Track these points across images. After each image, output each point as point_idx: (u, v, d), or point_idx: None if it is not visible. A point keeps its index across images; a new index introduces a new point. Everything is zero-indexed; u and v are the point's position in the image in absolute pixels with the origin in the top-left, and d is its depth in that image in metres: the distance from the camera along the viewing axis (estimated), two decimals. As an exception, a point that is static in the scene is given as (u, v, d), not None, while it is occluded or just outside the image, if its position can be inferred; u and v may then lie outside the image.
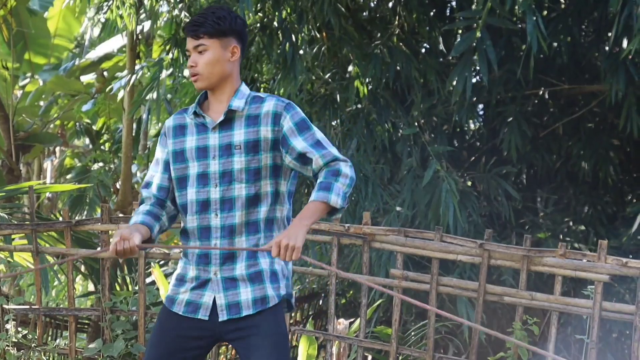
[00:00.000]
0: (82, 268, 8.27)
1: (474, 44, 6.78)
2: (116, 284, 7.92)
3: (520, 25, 7.63)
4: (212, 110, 4.03)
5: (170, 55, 7.93)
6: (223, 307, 3.94)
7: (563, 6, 7.95)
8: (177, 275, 4.08)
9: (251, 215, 3.95)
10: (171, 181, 4.07)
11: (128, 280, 7.84)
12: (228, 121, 3.97)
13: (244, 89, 4.03)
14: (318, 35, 8.06)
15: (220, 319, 3.94)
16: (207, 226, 3.96)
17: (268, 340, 3.89)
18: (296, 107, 4.01)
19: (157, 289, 6.94)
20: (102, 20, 9.23)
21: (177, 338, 3.98)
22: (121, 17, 7.95)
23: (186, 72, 9.96)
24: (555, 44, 7.71)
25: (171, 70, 8.07)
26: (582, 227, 8.27)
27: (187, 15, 7.70)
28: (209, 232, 3.96)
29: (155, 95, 8.03)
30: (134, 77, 9.03)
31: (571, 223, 8.34)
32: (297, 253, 3.71)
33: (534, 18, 6.45)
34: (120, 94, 9.64)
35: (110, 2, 8.03)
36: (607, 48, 7.64)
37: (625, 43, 7.11)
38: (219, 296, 3.95)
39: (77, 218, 11.09)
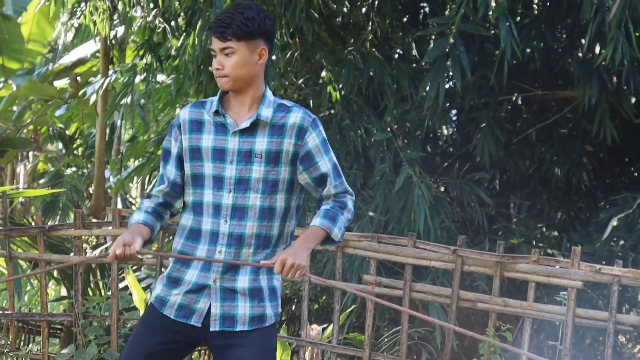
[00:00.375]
0: (55, 273, 8.21)
1: (447, 50, 6.79)
2: (89, 289, 7.88)
3: (493, 32, 7.65)
4: (233, 111, 3.89)
5: (144, 60, 7.90)
6: (217, 317, 3.84)
7: (536, 12, 7.99)
8: (170, 277, 3.94)
9: (262, 228, 3.85)
10: (183, 178, 3.95)
11: (101, 285, 7.79)
12: (251, 126, 3.84)
13: (270, 95, 3.90)
14: (291, 41, 8.05)
15: (211, 329, 3.85)
16: (215, 231, 3.83)
17: (256, 356, 3.84)
18: (320, 125, 3.92)
19: (130, 294, 6.91)
20: (76, 25, 9.17)
21: (164, 340, 3.87)
22: (94, 23, 7.91)
23: (160, 78, 9.95)
24: (528, 50, 7.73)
25: (144, 75, 8.03)
26: (556, 233, 8.30)
27: (162, 20, 7.66)
28: (216, 237, 3.83)
29: (129, 100, 7.98)
30: (106, 81, 8.99)
31: (544, 229, 8.36)
32: (302, 272, 3.66)
33: (507, 24, 6.46)
34: (93, 98, 9.59)
35: (84, 7, 7.99)
36: (580, 54, 7.69)
37: (598, 49, 7.14)
38: (215, 305, 3.84)
39: (50, 223, 11.02)
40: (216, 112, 3.87)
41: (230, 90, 3.85)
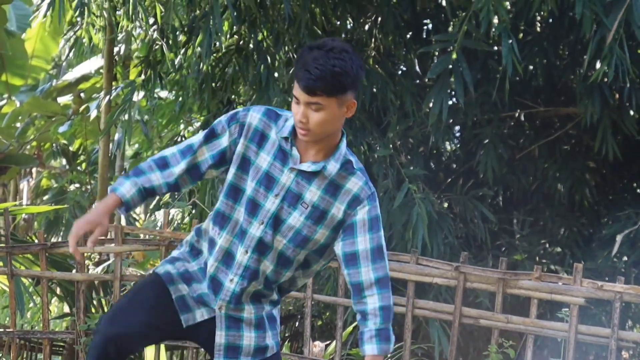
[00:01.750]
0: (58, 290, 8.21)
1: (450, 67, 6.81)
2: (91, 307, 7.87)
3: (496, 48, 7.67)
4: (301, 145, 3.54)
5: (143, 76, 7.90)
6: (221, 347, 3.70)
7: (539, 29, 8.01)
8: (183, 269, 3.74)
9: (275, 274, 3.64)
10: (205, 173, 3.67)
11: (103, 302, 7.78)
12: (309, 172, 3.53)
13: (343, 147, 3.56)
14: (295, 57, 8.07)
15: (215, 359, 3.71)
16: (233, 254, 3.61)
17: None
18: (377, 200, 3.63)
19: (132, 311, 6.89)
20: (73, 39, 9.21)
21: (165, 311, 3.70)
22: (90, 40, 7.94)
23: (162, 94, 9.97)
24: (531, 67, 7.76)
25: (144, 91, 8.03)
26: (559, 249, 8.30)
27: (160, 38, 7.67)
28: (231, 261, 3.63)
29: (126, 116, 7.98)
30: (107, 98, 9.01)
31: (547, 245, 8.37)
32: None
33: (509, 41, 6.49)
34: (94, 115, 9.60)
35: (81, 24, 8.02)
36: (582, 71, 7.70)
37: (598, 66, 7.16)
38: (220, 334, 3.69)
39: (53, 239, 11.03)
40: (285, 138, 3.54)
41: (310, 142, 3.51)
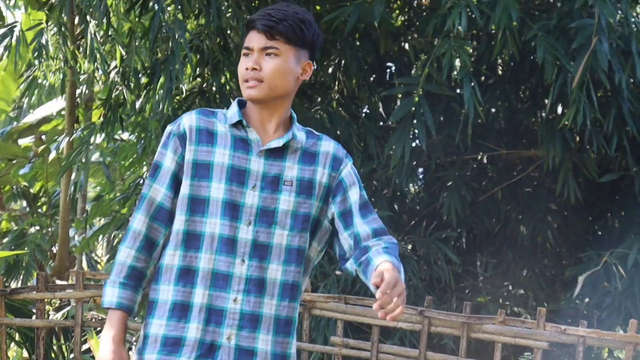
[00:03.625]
0: (16, 336, 8.09)
1: (413, 110, 6.85)
2: (52, 353, 7.76)
3: (459, 91, 7.72)
4: (255, 127, 3.15)
5: (101, 118, 7.88)
6: None
7: (500, 73, 8.08)
8: (166, 338, 3.06)
9: (289, 274, 3.12)
10: (175, 202, 3.13)
11: (64, 348, 7.69)
12: (278, 149, 3.14)
13: (296, 120, 3.24)
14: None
15: None
16: (227, 273, 3.05)
17: None
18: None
19: (93, 357, 6.81)
20: (30, 81, 9.18)
21: None
22: (47, 82, 7.91)
23: (124, 135, 9.92)
24: (493, 110, 7.81)
25: (103, 133, 7.99)
26: (522, 291, 8.31)
27: (121, 81, 7.64)
28: (228, 281, 3.05)
29: (84, 159, 7.94)
30: (67, 140, 8.95)
31: (510, 287, 8.38)
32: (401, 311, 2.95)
33: (471, 85, 6.54)
34: (52, 155, 9.54)
35: (39, 65, 8.00)
36: (543, 114, 7.76)
37: (560, 110, 7.24)
38: None
39: (13, 284, 10.89)
40: (236, 124, 3.14)
41: (260, 100, 3.12)
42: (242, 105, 3.21)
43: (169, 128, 3.19)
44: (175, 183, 3.13)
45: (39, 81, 8.66)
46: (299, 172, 3.14)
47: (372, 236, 3.17)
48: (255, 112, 3.16)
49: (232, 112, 3.15)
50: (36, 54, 7.69)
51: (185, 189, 3.10)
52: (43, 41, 7.75)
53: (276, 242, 3.09)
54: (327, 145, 3.22)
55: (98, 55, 7.24)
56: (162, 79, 7.20)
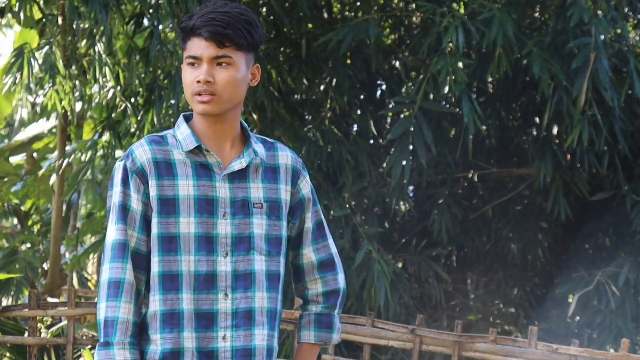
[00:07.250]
0: (7, 354, 8.07)
1: (412, 128, 6.87)
2: (43, 370, 7.74)
3: (457, 110, 7.76)
4: (210, 147, 2.93)
5: (103, 137, 7.89)
6: None
7: (491, 90, 8.11)
8: (164, 352, 2.87)
9: (272, 301, 2.96)
10: (149, 245, 2.91)
11: (55, 365, 7.66)
12: (241, 170, 2.94)
13: (248, 128, 3.03)
14: (251, 117, 8.10)
15: None
16: (211, 311, 2.87)
17: None
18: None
19: (85, 375, 6.80)
20: (31, 101, 9.17)
21: None
22: (60, 101, 7.89)
23: (118, 153, 9.91)
24: (484, 128, 7.84)
25: (102, 152, 8.01)
26: (512, 310, 8.33)
27: (123, 98, 7.67)
28: (214, 319, 2.87)
29: (89, 176, 7.96)
30: (65, 160, 8.95)
31: (501, 305, 8.40)
32: None
33: (470, 101, 6.58)
34: (53, 179, 9.54)
35: (47, 88, 7.98)
36: (535, 132, 7.80)
37: (555, 129, 7.27)
38: None
39: (4, 301, 10.87)
40: (196, 150, 2.91)
41: (213, 114, 2.89)
42: (187, 118, 3.00)
43: (121, 163, 2.93)
44: (146, 224, 2.90)
45: (41, 104, 8.63)
46: (265, 192, 2.95)
47: (317, 269, 3.07)
48: (208, 128, 2.93)
49: (185, 134, 2.92)
50: (47, 75, 7.64)
51: (154, 228, 2.88)
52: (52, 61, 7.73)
53: (257, 268, 2.92)
54: (285, 157, 3.03)
55: (108, 71, 7.28)
56: (169, 95, 7.23)
